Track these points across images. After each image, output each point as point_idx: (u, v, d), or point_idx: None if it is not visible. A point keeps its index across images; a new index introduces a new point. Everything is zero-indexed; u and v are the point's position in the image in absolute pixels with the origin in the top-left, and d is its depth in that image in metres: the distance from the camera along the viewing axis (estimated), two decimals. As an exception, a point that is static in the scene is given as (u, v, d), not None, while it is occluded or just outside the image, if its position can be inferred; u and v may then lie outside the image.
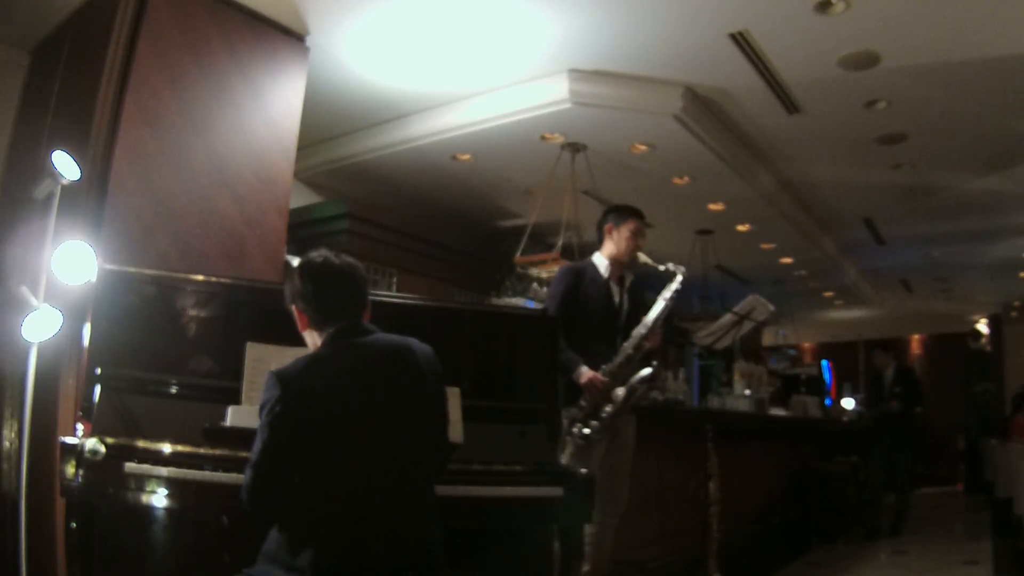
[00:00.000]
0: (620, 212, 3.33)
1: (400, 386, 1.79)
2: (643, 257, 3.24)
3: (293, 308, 1.92)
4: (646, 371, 3.01)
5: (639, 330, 3.07)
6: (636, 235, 3.26)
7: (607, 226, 3.31)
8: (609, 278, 3.25)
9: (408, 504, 1.73)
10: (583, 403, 3.01)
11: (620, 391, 2.99)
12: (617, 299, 3.25)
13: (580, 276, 3.22)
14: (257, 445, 1.69)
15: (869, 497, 6.44)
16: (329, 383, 1.74)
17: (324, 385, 1.73)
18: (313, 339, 1.89)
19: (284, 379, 1.70)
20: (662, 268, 3.15)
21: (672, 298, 3.13)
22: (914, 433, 6.49)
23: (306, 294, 1.86)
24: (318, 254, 1.92)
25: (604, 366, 3.03)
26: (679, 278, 3.14)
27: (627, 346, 3.06)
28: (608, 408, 2.99)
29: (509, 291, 6.18)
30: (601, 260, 3.29)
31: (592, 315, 3.17)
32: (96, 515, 1.95)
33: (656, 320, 3.08)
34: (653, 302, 3.12)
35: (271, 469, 1.68)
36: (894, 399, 6.32)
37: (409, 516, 1.72)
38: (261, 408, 1.71)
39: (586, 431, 2.96)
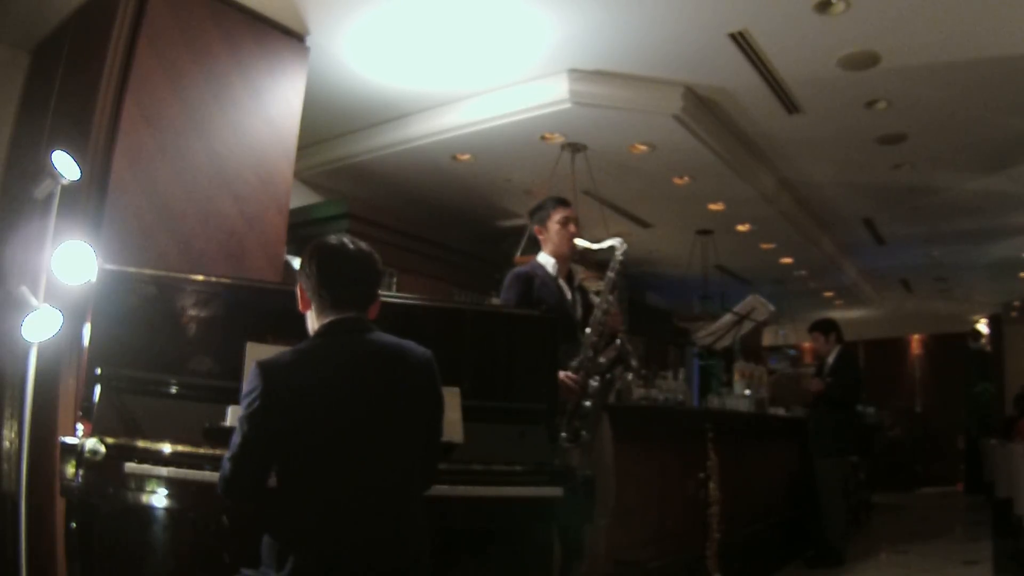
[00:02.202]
0: (541, 208, 3.26)
1: (390, 391, 1.71)
2: (580, 242, 3.16)
3: (297, 285, 1.84)
4: (613, 351, 2.91)
5: (596, 313, 2.97)
6: (566, 223, 3.18)
7: (535, 228, 3.24)
8: (558, 276, 3.19)
9: (390, 513, 1.66)
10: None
11: (594, 383, 2.88)
12: (570, 296, 3.19)
13: (531, 281, 3.13)
14: (236, 438, 1.65)
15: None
16: (315, 381, 1.66)
17: (310, 383, 1.66)
18: (311, 322, 1.82)
19: (268, 372, 1.64)
20: (597, 247, 3.09)
21: (618, 271, 3.03)
22: (844, 434, 5.23)
23: (311, 276, 1.78)
24: (335, 237, 1.83)
25: (572, 362, 2.89)
26: (620, 251, 3.04)
27: (589, 334, 2.94)
28: (587, 403, 2.86)
29: (509, 291, 6.17)
30: (547, 259, 3.21)
31: None
32: (96, 515, 1.94)
33: (609, 297, 2.99)
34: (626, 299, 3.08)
35: (249, 463, 1.65)
36: (822, 382, 5.22)
37: (390, 526, 1.65)
38: (242, 398, 1.66)
39: (583, 433, 2.82)
